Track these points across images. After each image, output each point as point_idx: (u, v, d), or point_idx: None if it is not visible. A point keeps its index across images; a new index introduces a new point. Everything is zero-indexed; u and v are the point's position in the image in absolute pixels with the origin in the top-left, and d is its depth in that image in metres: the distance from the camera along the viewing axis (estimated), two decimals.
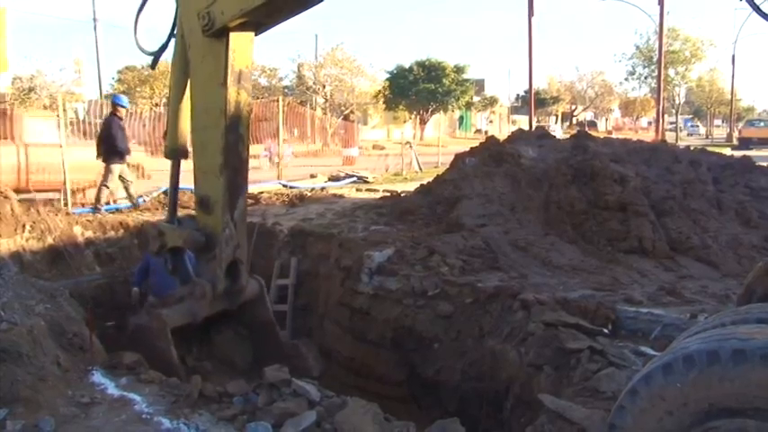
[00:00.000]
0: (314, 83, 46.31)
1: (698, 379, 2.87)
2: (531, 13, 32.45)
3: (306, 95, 45.53)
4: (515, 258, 9.20)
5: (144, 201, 13.40)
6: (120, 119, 12.71)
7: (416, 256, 8.76)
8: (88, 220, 10.81)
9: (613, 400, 4.71)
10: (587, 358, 5.51)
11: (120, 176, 12.51)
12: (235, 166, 6.10)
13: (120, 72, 47.16)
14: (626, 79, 55.76)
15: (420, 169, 25.21)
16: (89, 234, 10.49)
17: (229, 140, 5.95)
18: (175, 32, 6.39)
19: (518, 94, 77.02)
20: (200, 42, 5.98)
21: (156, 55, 7.13)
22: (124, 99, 13.84)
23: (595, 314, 6.51)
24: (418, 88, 48.14)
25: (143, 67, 45.05)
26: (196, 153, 6.34)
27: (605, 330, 6.23)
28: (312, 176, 20.65)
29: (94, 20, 39.85)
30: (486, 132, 39.13)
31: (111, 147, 12.30)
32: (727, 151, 19.33)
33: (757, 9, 3.35)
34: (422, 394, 7.60)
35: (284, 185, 17.78)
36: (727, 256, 9.79)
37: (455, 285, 7.77)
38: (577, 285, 7.96)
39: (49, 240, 9.73)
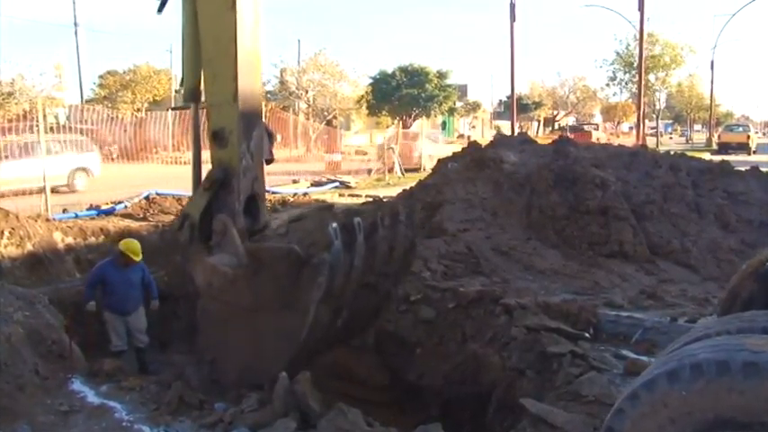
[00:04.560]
0: (296, 88, 46.13)
1: (705, 388, 2.80)
2: (512, 19, 32.67)
3: (288, 101, 45.35)
4: (497, 263, 9.24)
5: (126, 206, 13.29)
6: None
7: None
8: (68, 227, 10.69)
9: (595, 403, 4.75)
10: (569, 362, 5.54)
11: None
12: (248, 95, 6.05)
13: (101, 77, 46.72)
14: (607, 85, 56.14)
15: (402, 174, 25.21)
16: (69, 240, 10.35)
17: (241, 68, 5.90)
18: None
19: (500, 100, 77.27)
20: None
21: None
22: None
23: (577, 318, 6.55)
24: (401, 93, 48.10)
25: (124, 72, 44.78)
26: (207, 86, 6.30)
27: (587, 334, 6.27)
28: (294, 181, 20.59)
29: (75, 24, 39.62)
30: (468, 137, 39.31)
31: None
32: (707, 156, 19.58)
33: None
34: (405, 399, 7.58)
35: (266, 191, 17.68)
36: (707, 260, 9.91)
37: (437, 290, 7.77)
38: (559, 289, 8.01)
39: (29, 247, 9.58)
